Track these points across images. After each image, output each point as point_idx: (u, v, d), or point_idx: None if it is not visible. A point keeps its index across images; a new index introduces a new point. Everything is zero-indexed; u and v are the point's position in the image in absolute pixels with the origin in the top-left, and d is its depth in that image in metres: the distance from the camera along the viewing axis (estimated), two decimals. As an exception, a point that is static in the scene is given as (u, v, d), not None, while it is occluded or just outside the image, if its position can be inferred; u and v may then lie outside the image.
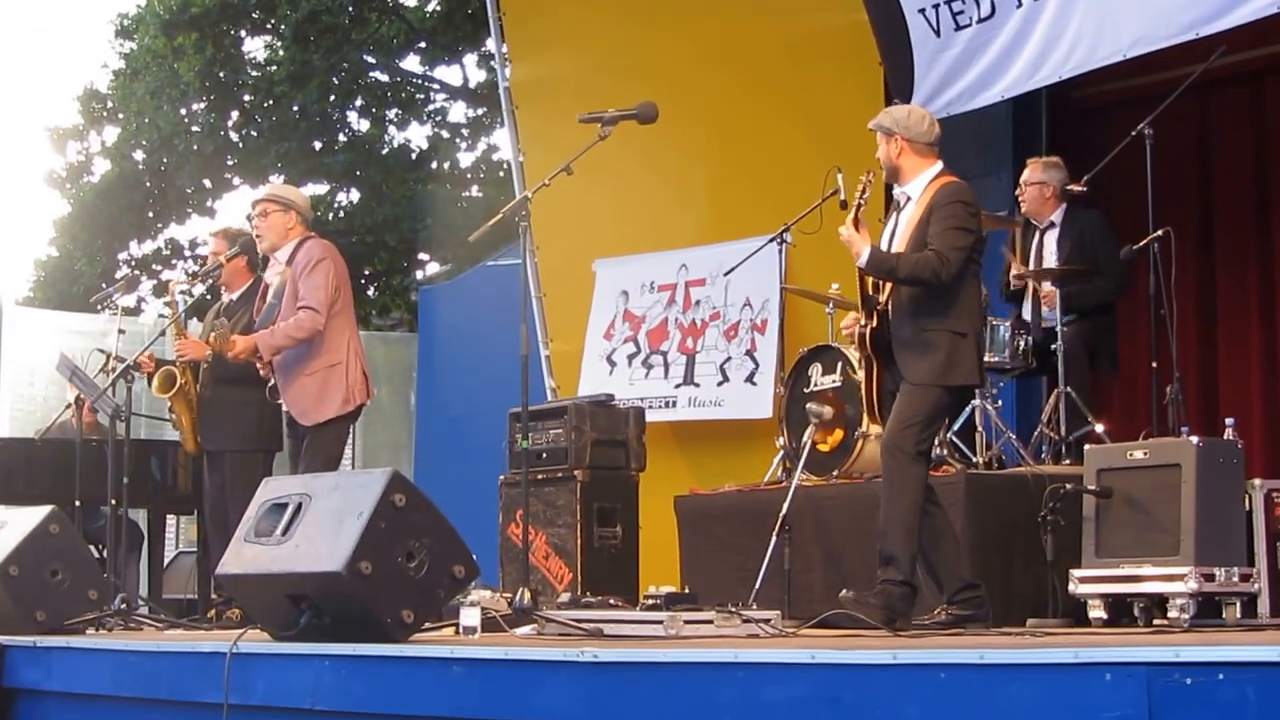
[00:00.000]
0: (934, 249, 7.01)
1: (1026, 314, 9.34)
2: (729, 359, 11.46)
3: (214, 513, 9.86)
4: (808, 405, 8.86)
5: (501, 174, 25.16)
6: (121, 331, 10.12)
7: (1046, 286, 9.15)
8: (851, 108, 9.97)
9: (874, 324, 7.23)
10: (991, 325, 8.88)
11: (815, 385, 9.20)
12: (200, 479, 10.36)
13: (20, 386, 15.86)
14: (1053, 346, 8.87)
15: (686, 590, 7.79)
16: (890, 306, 7.20)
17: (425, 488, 6.47)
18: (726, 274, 10.87)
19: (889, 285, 7.20)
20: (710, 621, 6.43)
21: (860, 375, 7.78)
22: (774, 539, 8.26)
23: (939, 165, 7.31)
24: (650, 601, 6.79)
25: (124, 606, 8.61)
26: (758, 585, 8.05)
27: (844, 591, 6.98)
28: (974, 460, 8.54)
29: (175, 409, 9.91)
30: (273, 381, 9.38)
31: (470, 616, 6.67)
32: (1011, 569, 7.81)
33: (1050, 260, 9.39)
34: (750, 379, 11.28)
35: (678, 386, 11.76)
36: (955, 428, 8.74)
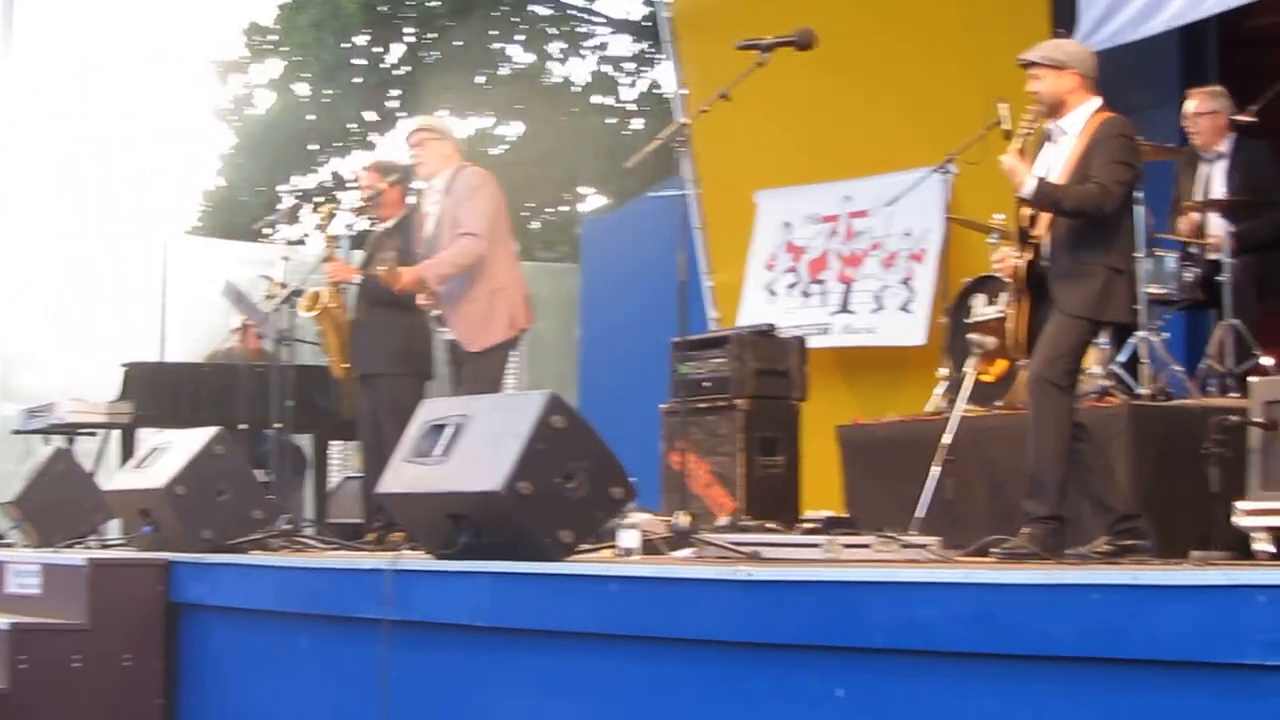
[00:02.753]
0: (1098, 181, 6.91)
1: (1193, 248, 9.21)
2: (885, 287, 11.43)
3: (367, 435, 9.99)
4: (970, 335, 8.80)
5: (664, 107, 25.12)
6: (285, 259, 10.19)
7: (1213, 226, 9.03)
8: (1015, 38, 9.82)
9: (1029, 256, 7.19)
10: (1158, 257, 8.78)
11: (978, 316, 9.15)
12: (366, 405, 10.48)
13: (187, 313, 16.06)
14: (1218, 278, 8.75)
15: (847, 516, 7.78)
16: (1047, 239, 7.15)
17: (590, 418, 6.47)
18: (889, 204, 10.80)
19: (1044, 217, 7.12)
20: (868, 545, 6.43)
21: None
22: (936, 469, 8.23)
23: (1099, 100, 7.22)
24: (808, 525, 6.80)
25: (288, 527, 8.75)
26: (918, 514, 8.02)
27: (991, 550, 6.94)
28: (1138, 392, 8.44)
29: (322, 329, 10.01)
30: (437, 311, 9.46)
31: (629, 538, 6.70)
32: (1175, 502, 7.69)
33: (1218, 193, 9.25)
34: (905, 307, 11.25)
35: (833, 314, 11.75)
36: (1122, 359, 8.65)
